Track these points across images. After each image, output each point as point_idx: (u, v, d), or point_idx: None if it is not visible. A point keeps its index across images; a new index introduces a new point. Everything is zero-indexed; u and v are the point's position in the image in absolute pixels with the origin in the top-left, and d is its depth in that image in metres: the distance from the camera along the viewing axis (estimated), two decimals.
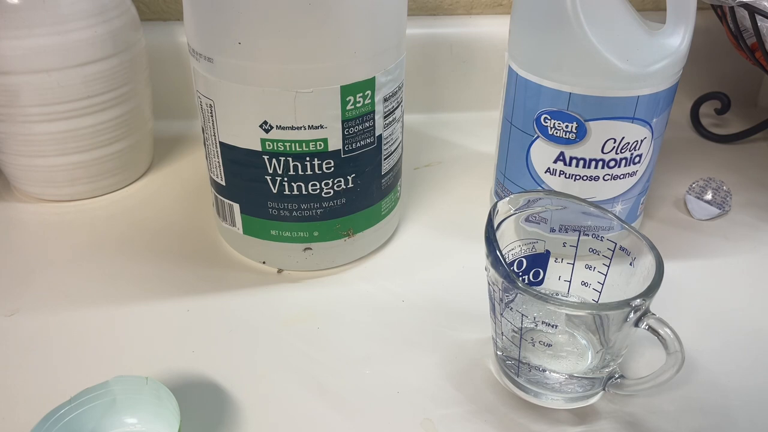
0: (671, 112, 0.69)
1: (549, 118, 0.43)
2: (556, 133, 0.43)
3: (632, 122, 0.42)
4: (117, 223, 0.51)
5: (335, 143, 0.41)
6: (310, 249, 0.45)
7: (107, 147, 0.52)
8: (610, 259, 0.37)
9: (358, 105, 0.40)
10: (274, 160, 0.41)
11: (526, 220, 0.39)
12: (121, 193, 0.55)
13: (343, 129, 0.40)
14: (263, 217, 0.44)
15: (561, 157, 0.44)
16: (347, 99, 0.39)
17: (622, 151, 0.43)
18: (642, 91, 0.41)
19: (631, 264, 0.36)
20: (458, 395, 0.37)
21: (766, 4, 0.48)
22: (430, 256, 0.48)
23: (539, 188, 0.46)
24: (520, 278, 0.35)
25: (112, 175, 0.54)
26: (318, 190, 0.42)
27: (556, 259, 0.39)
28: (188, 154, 0.60)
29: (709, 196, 0.53)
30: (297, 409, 0.37)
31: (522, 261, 0.39)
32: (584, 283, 0.39)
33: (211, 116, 0.41)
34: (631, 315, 0.32)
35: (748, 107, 0.71)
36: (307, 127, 0.40)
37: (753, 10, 0.48)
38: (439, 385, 0.38)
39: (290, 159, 0.41)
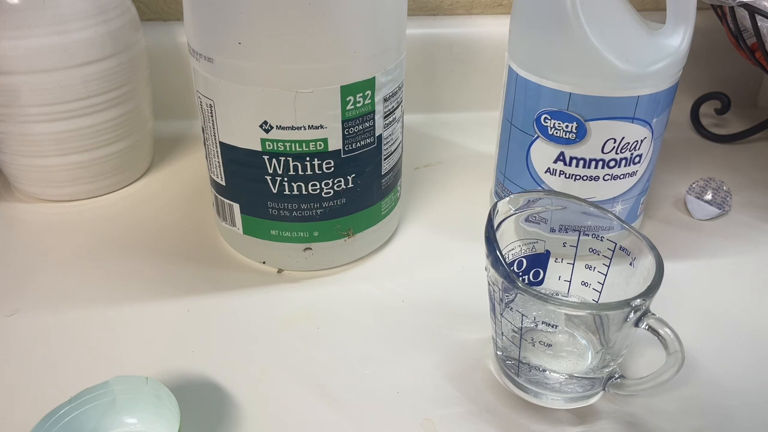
0: (671, 112, 0.69)
1: (549, 118, 0.43)
2: (556, 133, 0.43)
3: (632, 122, 0.42)
4: (117, 223, 0.51)
5: (335, 143, 0.41)
6: (310, 249, 0.45)
7: (107, 147, 0.52)
8: (610, 259, 0.37)
9: (358, 105, 0.40)
10: (274, 160, 0.41)
11: (526, 220, 0.39)
12: (121, 193, 0.55)
13: (343, 129, 0.40)
14: (263, 217, 0.44)
15: (561, 157, 0.44)
16: (347, 99, 0.39)
17: (622, 151, 0.43)
18: (642, 91, 0.41)
19: (631, 264, 0.36)
20: (458, 395, 0.37)
21: (766, 4, 0.48)
22: (430, 256, 0.48)
23: (539, 188, 0.46)
24: (520, 278, 0.35)
25: (112, 175, 0.54)
26: (318, 190, 0.42)
27: (556, 259, 0.39)
28: (188, 154, 0.60)
29: (709, 196, 0.53)
30: (297, 409, 0.37)
31: (522, 261, 0.39)
32: (584, 283, 0.39)
33: (211, 116, 0.41)
34: (631, 315, 0.32)
35: (748, 107, 0.71)
36: (307, 127, 0.40)
37: (753, 10, 0.48)
38: (439, 385, 0.38)
39: (290, 159, 0.41)
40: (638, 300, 0.31)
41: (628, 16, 0.40)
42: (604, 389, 0.36)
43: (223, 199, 0.45)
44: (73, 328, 0.42)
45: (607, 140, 0.42)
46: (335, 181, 0.42)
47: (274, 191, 0.42)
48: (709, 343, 0.41)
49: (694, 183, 0.54)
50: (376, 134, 0.42)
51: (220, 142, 0.42)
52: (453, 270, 0.47)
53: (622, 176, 0.44)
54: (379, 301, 0.44)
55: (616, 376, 0.35)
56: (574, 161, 0.43)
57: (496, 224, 0.36)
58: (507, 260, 0.36)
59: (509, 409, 0.37)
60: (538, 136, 0.44)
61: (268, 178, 0.42)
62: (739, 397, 0.38)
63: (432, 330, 0.42)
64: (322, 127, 0.40)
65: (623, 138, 0.42)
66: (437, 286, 0.45)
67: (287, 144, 0.40)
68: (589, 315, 0.33)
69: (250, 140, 0.40)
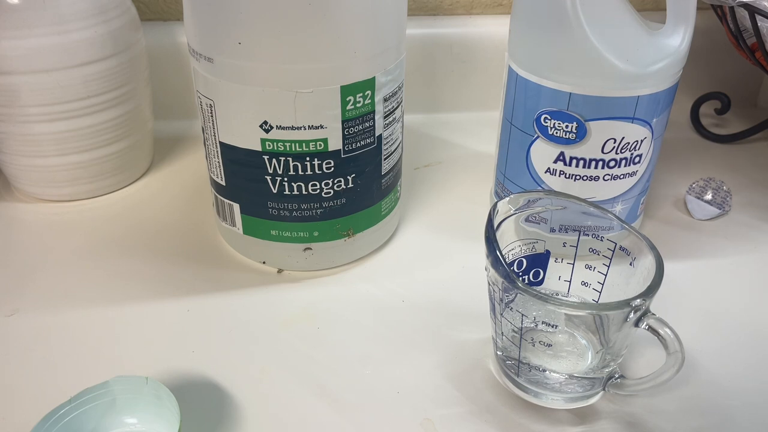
0: (671, 112, 0.69)
1: (549, 118, 0.43)
2: (556, 133, 0.43)
3: (632, 122, 0.42)
4: (117, 223, 0.51)
5: (335, 143, 0.41)
6: (310, 249, 0.45)
7: (107, 147, 0.52)
8: (610, 259, 0.37)
9: (358, 105, 0.40)
10: (274, 160, 0.41)
11: (526, 220, 0.39)
12: (121, 193, 0.55)
13: (343, 129, 0.40)
14: (263, 217, 0.44)
15: (561, 157, 0.44)
16: (347, 99, 0.39)
17: (622, 151, 0.43)
18: (642, 91, 0.41)
19: (631, 264, 0.36)
20: (458, 395, 0.37)
21: (766, 4, 0.48)
22: (430, 256, 0.48)
23: (539, 188, 0.46)
24: (520, 278, 0.35)
25: (112, 175, 0.54)
26: (318, 190, 0.42)
27: (556, 259, 0.39)
28: (188, 154, 0.60)
29: (709, 196, 0.53)
30: (297, 409, 0.37)
31: (522, 261, 0.39)
32: (584, 283, 0.39)
33: (211, 116, 0.41)
34: (631, 315, 0.32)
35: (748, 107, 0.71)
36: (307, 127, 0.40)
37: (753, 10, 0.48)
38: (439, 385, 0.38)
39: (290, 159, 0.41)
40: (638, 300, 0.31)
41: (628, 16, 0.40)
42: (604, 389, 0.36)
43: (223, 199, 0.45)
44: (73, 328, 0.41)
45: (607, 140, 0.42)
46: (335, 181, 0.42)
47: (274, 191, 0.42)
48: (709, 343, 0.41)
49: (694, 183, 0.54)
50: (376, 134, 0.42)
51: (220, 142, 0.42)
52: (453, 270, 0.47)
53: (622, 176, 0.44)
54: (379, 301, 0.44)
55: (616, 376, 0.35)
56: (574, 161, 0.43)
57: (496, 224, 0.36)
58: (507, 260, 0.36)
59: (509, 409, 0.37)
60: (538, 136, 0.44)
61: (268, 178, 0.42)
62: (739, 397, 0.38)
63: (432, 330, 0.42)
64: (322, 127, 0.40)
65: (623, 138, 0.42)
66: (437, 286, 0.45)
67: (287, 144, 0.40)
68: (589, 315, 0.33)
69: (250, 140, 0.40)
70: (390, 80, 0.42)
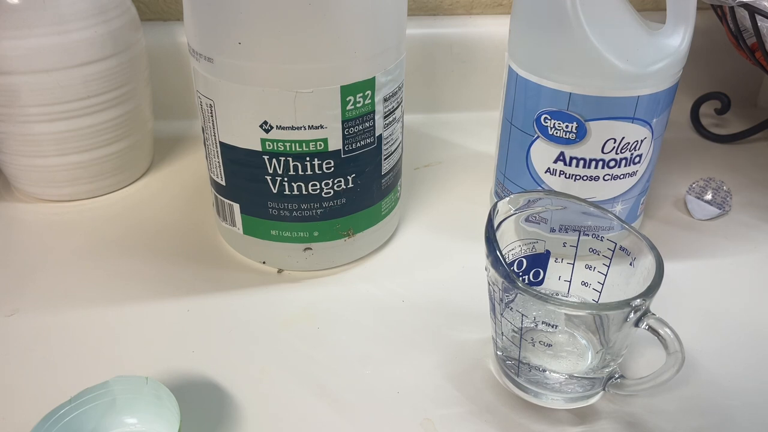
0: (671, 112, 0.69)
1: (549, 118, 0.43)
2: (556, 133, 0.43)
3: (632, 122, 0.42)
4: (117, 223, 0.51)
5: (335, 143, 0.41)
6: (310, 249, 0.45)
7: (107, 147, 0.52)
8: (610, 259, 0.37)
9: (358, 105, 0.40)
10: (274, 160, 0.41)
11: (526, 220, 0.39)
12: (121, 193, 0.55)
13: (343, 129, 0.40)
14: (263, 217, 0.44)
15: (561, 157, 0.44)
16: (347, 99, 0.39)
17: (622, 151, 0.43)
18: (642, 91, 0.41)
19: (631, 264, 0.36)
20: (458, 395, 0.37)
21: (766, 4, 0.48)
22: (430, 256, 0.48)
23: (539, 188, 0.46)
24: (520, 278, 0.35)
25: (112, 175, 0.54)
26: (318, 190, 0.42)
27: (556, 259, 0.39)
28: (188, 154, 0.60)
29: (709, 196, 0.53)
30: (297, 409, 0.37)
31: (522, 261, 0.39)
32: (584, 283, 0.39)
33: (211, 116, 0.41)
34: (631, 315, 0.32)
35: (748, 107, 0.71)
36: (307, 127, 0.40)
37: (753, 10, 0.48)
38: (439, 385, 0.38)
39: (290, 159, 0.41)
40: (638, 300, 0.31)
41: (628, 16, 0.40)
42: (604, 389, 0.36)
43: (223, 199, 0.45)
44: (73, 328, 0.41)
45: (607, 140, 0.42)
46: (335, 181, 0.42)
47: (274, 191, 0.42)
48: (709, 343, 0.41)
49: (694, 183, 0.54)
50: (376, 134, 0.42)
51: (220, 142, 0.42)
52: (453, 270, 0.47)
53: (622, 176, 0.44)
54: (379, 301, 0.44)
55: (616, 376, 0.35)
56: (574, 161, 0.43)
57: (496, 224, 0.36)
58: (507, 260, 0.36)
59: (509, 409, 0.37)
60: (538, 136, 0.44)
61: (268, 178, 0.42)
62: (739, 397, 0.38)
63: (432, 330, 0.42)
64: (322, 127, 0.40)
65: (623, 138, 0.42)
66: (437, 286, 0.45)
67: (287, 144, 0.40)
68: (589, 315, 0.33)
69: (250, 140, 0.40)
70: (390, 80, 0.42)
